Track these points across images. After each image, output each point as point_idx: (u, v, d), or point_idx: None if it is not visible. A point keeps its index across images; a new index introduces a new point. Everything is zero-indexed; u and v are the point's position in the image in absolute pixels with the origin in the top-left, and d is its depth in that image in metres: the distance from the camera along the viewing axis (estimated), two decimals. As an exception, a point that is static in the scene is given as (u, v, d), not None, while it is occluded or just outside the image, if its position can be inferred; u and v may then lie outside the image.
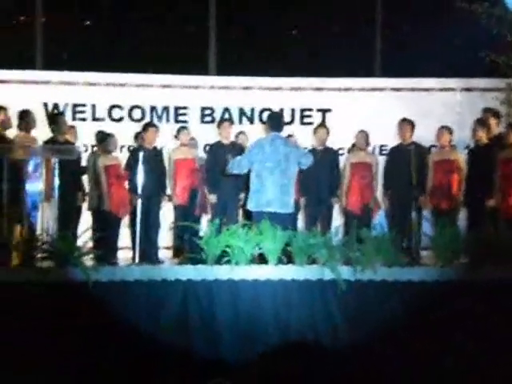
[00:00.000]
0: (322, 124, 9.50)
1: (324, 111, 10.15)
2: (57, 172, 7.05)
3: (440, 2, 10.41)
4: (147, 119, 9.79)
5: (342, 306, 5.87)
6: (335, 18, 10.91)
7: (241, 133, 9.30)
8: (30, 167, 7.30)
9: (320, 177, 8.57)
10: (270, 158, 7.00)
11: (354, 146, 9.12)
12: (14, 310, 5.54)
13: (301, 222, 8.87)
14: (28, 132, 7.89)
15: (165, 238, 9.10)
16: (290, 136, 8.76)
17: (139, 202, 7.75)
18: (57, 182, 6.99)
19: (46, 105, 9.65)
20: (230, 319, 5.84)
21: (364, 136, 8.86)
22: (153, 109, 10.01)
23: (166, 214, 9.02)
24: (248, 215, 7.38)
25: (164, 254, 8.95)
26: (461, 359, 5.72)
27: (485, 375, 5.67)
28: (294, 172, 7.13)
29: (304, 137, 9.27)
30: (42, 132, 8.13)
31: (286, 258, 6.07)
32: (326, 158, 8.74)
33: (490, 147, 8.19)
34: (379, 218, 8.78)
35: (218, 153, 8.72)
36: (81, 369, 5.55)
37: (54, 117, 8.42)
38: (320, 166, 8.34)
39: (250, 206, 7.07)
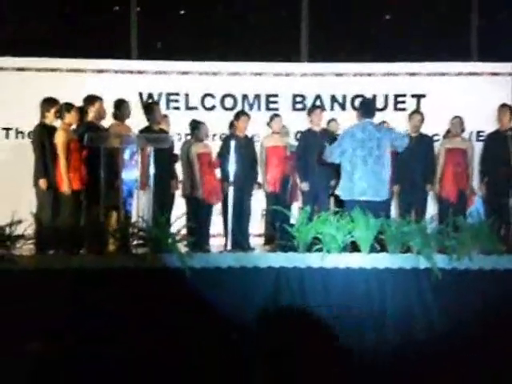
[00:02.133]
0: (417, 110, 9.32)
1: (418, 97, 9.95)
2: (152, 160, 7.17)
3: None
4: (239, 107, 9.82)
5: (438, 295, 5.77)
6: (429, 1, 10.65)
7: (332, 120, 9.22)
8: (126, 156, 7.45)
9: (414, 164, 8.42)
10: (363, 145, 6.93)
11: (448, 132, 8.91)
12: (110, 296, 5.68)
13: (394, 210, 8.72)
14: (123, 121, 8.04)
15: (256, 225, 9.13)
16: (383, 123, 8.64)
17: (231, 189, 7.80)
18: (152, 170, 7.11)
19: (140, 94, 9.81)
20: (323, 307, 5.80)
21: (459, 122, 8.66)
22: (244, 97, 10.04)
23: (258, 202, 9.05)
24: (340, 203, 7.32)
25: (255, 241, 8.98)
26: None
27: None
28: (388, 158, 7.03)
29: (398, 123, 9.10)
30: (136, 121, 8.27)
31: (379, 246, 6.00)
32: (420, 144, 8.57)
33: None
34: (476, 205, 8.56)
35: (309, 140, 8.67)
36: (177, 354, 5.63)
37: (149, 106, 8.55)
38: (414, 152, 8.20)
39: (343, 195, 7.01)
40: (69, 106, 7.33)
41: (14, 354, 5.39)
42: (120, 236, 6.26)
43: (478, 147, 8.88)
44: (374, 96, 9.80)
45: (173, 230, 6.39)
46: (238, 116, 8.79)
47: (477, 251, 5.85)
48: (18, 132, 9.47)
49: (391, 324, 5.74)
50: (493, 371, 5.53)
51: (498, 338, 5.59)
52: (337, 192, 7.23)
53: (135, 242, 6.26)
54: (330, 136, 8.54)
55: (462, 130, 8.73)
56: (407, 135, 7.43)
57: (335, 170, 7.79)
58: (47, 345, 5.51)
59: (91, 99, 7.62)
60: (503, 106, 8.53)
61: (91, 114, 7.58)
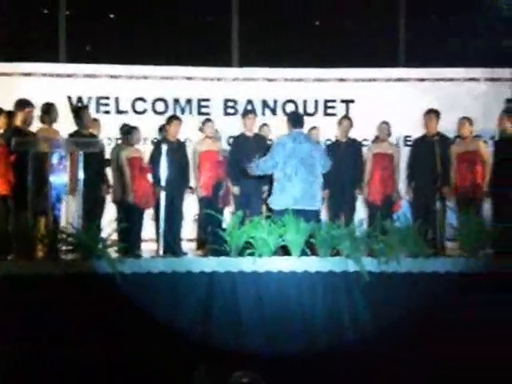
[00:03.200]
0: (346, 116, 9.47)
1: (347, 102, 10.11)
2: (81, 165, 7.07)
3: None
4: (170, 112, 9.81)
5: (367, 298, 5.85)
6: (359, 7, 10.82)
7: (264, 125, 9.28)
8: (55, 160, 7.32)
9: (343, 168, 8.52)
10: (294, 155, 6.95)
11: (377, 137, 9.07)
12: (38, 303, 5.58)
13: (324, 214, 8.83)
14: (51, 125, 7.92)
15: (188, 230, 9.12)
16: (313, 128, 8.74)
17: (163, 194, 7.77)
18: (81, 174, 7.01)
19: (69, 98, 9.69)
20: (254, 311, 5.84)
21: (386, 127, 8.81)
22: (176, 101, 10.03)
23: (190, 207, 9.04)
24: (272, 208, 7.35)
25: (188, 246, 8.97)
26: (485, 350, 5.67)
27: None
28: (319, 169, 7.09)
29: (327, 128, 9.22)
30: (65, 125, 8.15)
31: (310, 249, 6.06)
32: (349, 149, 8.70)
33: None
34: (403, 209, 8.74)
35: (242, 145, 8.71)
36: (105, 360, 5.58)
37: (79, 110, 8.45)
38: (343, 157, 8.32)
39: (275, 205, 6.98)
40: (-4, 111, 7.19)
41: None
42: (49, 242, 6.15)
43: (406, 152, 9.06)
44: (305, 101, 9.91)
45: (103, 235, 6.32)
46: (169, 120, 8.76)
47: (404, 254, 5.96)
48: None
49: (322, 326, 5.80)
50: (421, 371, 5.64)
51: (426, 339, 5.71)
52: (269, 204, 7.21)
53: (64, 248, 6.16)
54: (262, 141, 8.60)
55: (389, 135, 8.89)
56: (336, 143, 7.50)
57: (267, 175, 7.84)
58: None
59: (22, 104, 7.47)
60: (430, 111, 8.70)
61: (19, 119, 7.43)
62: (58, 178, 7.15)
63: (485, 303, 5.75)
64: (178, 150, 8.59)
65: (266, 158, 7.16)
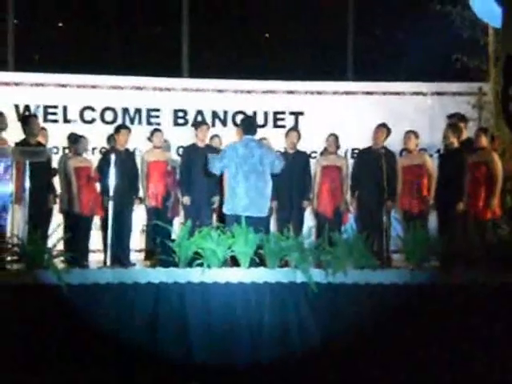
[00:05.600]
0: (293, 128, 9.54)
1: (296, 114, 10.18)
2: (27, 174, 6.98)
3: (412, 5, 10.48)
4: (119, 121, 9.74)
5: (314, 309, 5.88)
6: (308, 20, 10.93)
7: (215, 136, 9.28)
8: (0, 169, 7.23)
9: (291, 180, 8.58)
10: (245, 161, 7.01)
11: (326, 149, 9.15)
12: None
13: (273, 225, 8.87)
14: (-1, 134, 7.82)
15: (137, 240, 9.07)
16: (263, 139, 8.78)
17: (111, 204, 7.71)
18: (27, 183, 6.93)
19: (17, 106, 9.56)
20: (202, 322, 5.83)
21: (334, 139, 8.89)
22: (125, 111, 9.96)
23: (138, 217, 8.99)
24: (222, 218, 7.37)
25: (136, 256, 8.93)
26: (431, 360, 5.77)
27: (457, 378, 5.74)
28: (269, 175, 7.14)
29: (277, 140, 9.27)
30: (12, 134, 8.04)
31: (259, 260, 6.08)
32: (297, 161, 8.76)
33: (460, 151, 8.25)
34: (351, 221, 8.83)
35: (193, 155, 8.71)
36: (51, 372, 5.51)
37: (26, 118, 8.35)
38: (291, 169, 8.36)
39: (226, 210, 7.08)
40: None
41: None
42: (-7, 252, 6.06)
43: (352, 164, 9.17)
44: (255, 112, 9.96)
45: (49, 245, 6.25)
46: (118, 129, 8.73)
47: (351, 266, 6.02)
48: None
49: (268, 337, 5.82)
50: (366, 381, 5.71)
51: (371, 349, 5.77)
52: (223, 207, 7.27)
53: (9, 258, 6.07)
54: (213, 152, 8.61)
55: (338, 148, 8.97)
56: (282, 159, 7.57)
57: (217, 186, 7.86)
58: None
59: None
60: (380, 125, 8.80)
61: (-35, 127, 7.34)
62: (4, 187, 7.06)
63: (428, 315, 5.84)
64: (126, 160, 8.56)
65: (216, 157, 7.23)
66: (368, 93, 10.24)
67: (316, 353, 5.77)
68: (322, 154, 9.32)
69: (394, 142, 8.98)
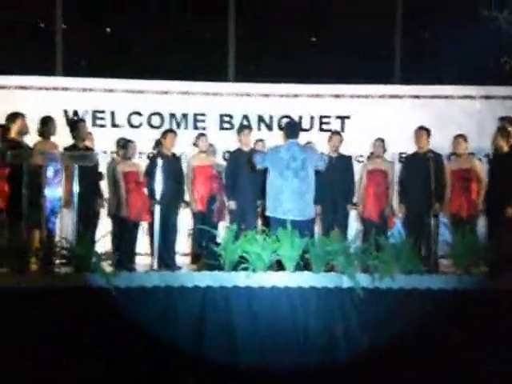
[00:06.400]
0: (336, 131, 9.48)
1: (343, 118, 10.13)
2: (76, 178, 7.07)
3: (461, 9, 10.36)
4: (166, 126, 9.81)
5: (360, 314, 5.84)
6: (354, 24, 10.88)
7: (260, 140, 9.29)
8: (50, 173, 7.33)
9: (335, 184, 8.56)
10: (287, 165, 7.01)
11: (372, 153, 9.10)
12: (33, 316, 5.56)
13: (317, 230, 8.83)
14: (48, 138, 7.94)
15: (183, 244, 9.11)
16: (308, 143, 8.76)
17: (158, 208, 7.77)
18: (76, 188, 7.02)
19: (65, 111, 9.70)
20: (248, 326, 5.82)
21: (381, 143, 8.85)
22: (172, 115, 10.03)
23: (184, 221, 9.04)
24: (266, 222, 7.37)
25: (182, 260, 8.97)
26: (478, 368, 5.68)
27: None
28: (313, 178, 7.13)
29: (323, 144, 9.24)
30: (61, 138, 8.16)
31: (304, 264, 6.06)
32: (339, 164, 8.73)
33: (509, 155, 8.12)
34: (397, 226, 8.75)
35: (238, 160, 8.74)
36: (98, 375, 5.56)
37: (75, 123, 8.46)
38: (334, 173, 8.34)
39: (269, 212, 7.10)
40: (-10, 124, 7.20)
41: None
42: (43, 255, 6.14)
43: (400, 168, 9.10)
44: (300, 117, 9.94)
45: (97, 248, 6.31)
46: (164, 134, 8.79)
47: (398, 271, 5.96)
48: None
49: (314, 341, 5.79)
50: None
51: (417, 356, 5.70)
52: (265, 211, 7.29)
53: (58, 261, 6.15)
54: (258, 154, 8.62)
55: (384, 152, 8.92)
56: (327, 156, 7.54)
57: (262, 190, 7.86)
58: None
59: (12, 117, 7.50)
60: (420, 128, 8.76)
61: (13, 131, 7.45)
62: (53, 191, 7.15)
63: (477, 321, 5.75)
64: (173, 164, 8.61)
65: (259, 155, 7.28)
66: (415, 96, 10.14)
67: (362, 359, 5.72)
68: (368, 158, 9.26)
69: (441, 146, 8.89)
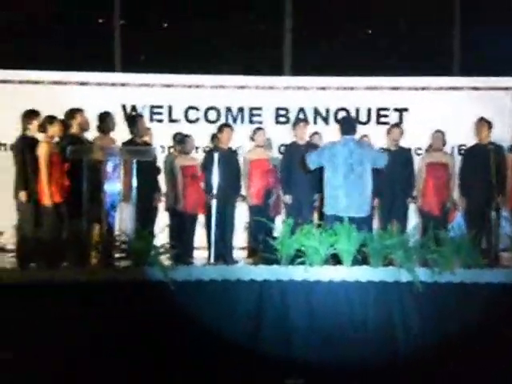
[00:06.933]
0: (396, 124, 9.37)
1: (401, 111, 10.02)
2: (135, 173, 7.16)
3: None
4: (222, 120, 9.85)
5: (419, 308, 5.78)
6: (413, 15, 10.75)
7: (316, 133, 9.25)
8: (109, 168, 7.44)
9: (394, 177, 8.44)
10: (344, 162, 6.96)
11: (431, 146, 8.97)
12: (92, 310, 5.65)
13: (375, 223, 8.75)
14: (107, 134, 8.04)
15: (239, 238, 9.13)
16: (364, 136, 8.68)
17: (214, 202, 7.80)
18: (134, 182, 7.10)
19: (124, 107, 9.81)
20: (305, 320, 5.81)
21: (440, 136, 8.72)
22: (228, 110, 10.06)
23: (241, 215, 9.06)
24: (323, 216, 7.34)
25: (238, 254, 8.98)
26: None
27: None
28: (370, 174, 7.06)
29: (380, 136, 9.15)
30: (120, 133, 8.26)
31: (361, 259, 6.01)
32: (399, 157, 8.60)
33: None
34: (457, 219, 8.61)
35: (294, 153, 8.70)
36: (157, 367, 5.62)
37: (133, 118, 8.54)
38: (394, 166, 8.23)
39: (326, 210, 7.06)
40: (51, 119, 7.30)
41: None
42: (102, 249, 6.23)
43: (460, 161, 8.95)
44: (357, 109, 9.87)
45: (155, 242, 6.37)
46: (221, 128, 8.80)
47: (458, 265, 5.87)
48: (-1, 144, 9.46)
49: (373, 336, 5.75)
50: (472, 381, 5.56)
51: (479, 350, 5.62)
52: (322, 208, 7.26)
53: (117, 255, 6.23)
54: (313, 149, 8.57)
55: (444, 144, 8.79)
56: (386, 153, 7.46)
57: (319, 183, 7.82)
58: (28, 360, 5.48)
59: (73, 112, 7.62)
60: (481, 120, 8.59)
61: (74, 127, 7.57)
62: (112, 186, 7.26)
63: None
64: (229, 158, 8.63)
65: (313, 152, 7.24)
66: (474, 88, 9.96)
67: (421, 354, 5.66)
68: (427, 150, 9.14)
69: (501, 138, 8.72)
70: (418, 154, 9.40)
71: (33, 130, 7.17)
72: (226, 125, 9.01)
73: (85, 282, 5.79)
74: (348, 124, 7.36)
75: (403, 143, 8.88)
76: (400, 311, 5.80)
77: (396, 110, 10.04)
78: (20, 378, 5.42)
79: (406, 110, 10.01)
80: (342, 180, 6.94)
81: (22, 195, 6.99)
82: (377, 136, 9.10)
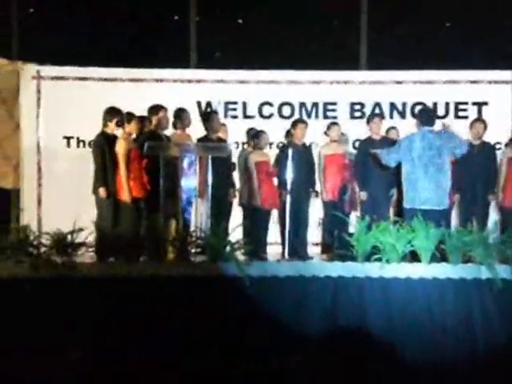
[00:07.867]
0: (479, 118, 9.17)
1: (480, 104, 9.80)
2: (210, 169, 7.21)
3: None
4: (296, 116, 9.81)
5: (499, 306, 5.66)
6: (490, 8, 10.48)
7: (392, 128, 9.13)
8: (185, 164, 7.52)
9: (476, 172, 8.26)
10: (423, 153, 6.88)
11: (511, 140, 8.74)
12: (168, 304, 5.72)
13: (455, 219, 8.58)
14: (183, 130, 8.12)
15: (313, 233, 9.09)
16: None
17: (288, 197, 7.78)
18: (210, 178, 7.15)
19: (199, 103, 9.89)
20: (382, 318, 5.76)
21: (521, 129, 8.50)
22: (302, 105, 10.02)
23: (315, 210, 9.02)
24: (399, 212, 7.25)
25: (313, 250, 8.95)
26: None
27: None
28: (449, 166, 6.96)
29: (459, 131, 8.96)
30: (194, 130, 8.33)
31: (440, 256, 5.92)
32: (482, 152, 8.42)
33: None
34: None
35: (369, 148, 8.60)
36: (230, 364, 5.65)
37: (208, 115, 8.60)
38: (476, 161, 8.08)
39: (406, 204, 6.99)
40: (129, 116, 7.42)
41: (68, 361, 5.50)
42: (179, 244, 6.31)
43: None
44: (435, 104, 9.69)
45: (231, 238, 6.41)
46: (295, 124, 8.77)
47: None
48: (79, 141, 9.63)
49: (452, 335, 5.65)
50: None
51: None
52: (401, 201, 7.18)
53: (194, 250, 6.30)
54: (389, 144, 8.46)
55: (525, 138, 8.57)
56: (467, 142, 7.30)
57: (395, 179, 7.72)
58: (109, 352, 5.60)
59: (155, 109, 7.71)
60: None
61: (154, 123, 7.66)
62: (189, 182, 7.34)
63: None
64: (303, 154, 8.60)
65: (390, 149, 7.15)
66: (556, 80, 9.67)
67: (501, 352, 5.55)
68: (507, 145, 8.91)
69: None
70: (498, 149, 9.17)
71: (112, 127, 7.29)
72: (301, 120, 8.97)
73: (162, 276, 5.87)
74: (426, 115, 7.27)
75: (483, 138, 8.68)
76: (480, 309, 5.70)
77: (475, 103, 9.82)
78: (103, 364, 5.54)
79: (485, 103, 9.79)
80: (421, 173, 6.87)
81: (102, 191, 7.12)
82: (455, 130, 8.90)
